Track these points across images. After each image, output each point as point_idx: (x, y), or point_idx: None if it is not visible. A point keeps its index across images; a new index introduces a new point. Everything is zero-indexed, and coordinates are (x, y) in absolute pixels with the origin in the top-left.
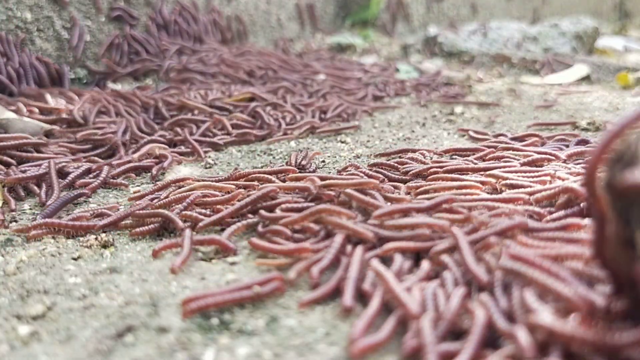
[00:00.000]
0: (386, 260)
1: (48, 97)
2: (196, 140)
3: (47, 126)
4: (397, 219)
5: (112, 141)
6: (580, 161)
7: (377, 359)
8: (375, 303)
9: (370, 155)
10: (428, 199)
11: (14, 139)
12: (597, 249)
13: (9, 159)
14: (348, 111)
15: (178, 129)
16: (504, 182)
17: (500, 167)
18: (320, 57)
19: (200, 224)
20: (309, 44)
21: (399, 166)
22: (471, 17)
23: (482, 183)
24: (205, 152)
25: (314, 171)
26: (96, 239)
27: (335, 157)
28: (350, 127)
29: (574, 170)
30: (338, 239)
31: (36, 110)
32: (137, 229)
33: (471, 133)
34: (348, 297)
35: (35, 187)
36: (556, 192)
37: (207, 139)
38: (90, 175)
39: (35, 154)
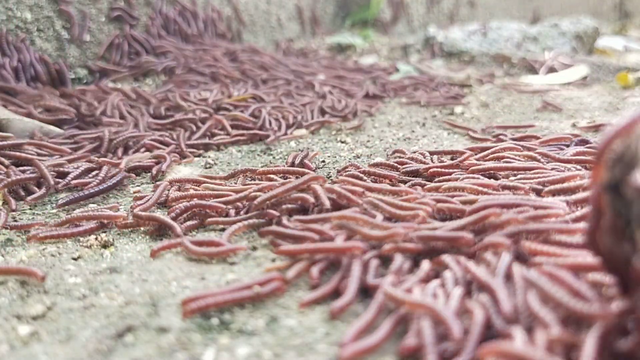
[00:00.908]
0: (386, 260)
1: (47, 96)
2: (196, 140)
3: (47, 126)
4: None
5: (140, 141)
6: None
7: (376, 359)
8: (373, 307)
9: (371, 155)
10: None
11: None
12: (591, 241)
13: (4, 159)
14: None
15: (173, 131)
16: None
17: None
18: (320, 57)
19: (256, 201)
20: (309, 44)
21: (399, 166)
22: (470, 16)
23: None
24: (192, 152)
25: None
26: (96, 239)
27: (335, 157)
28: (355, 126)
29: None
30: (339, 240)
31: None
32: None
33: (471, 133)
34: (338, 303)
35: (36, 188)
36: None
37: (207, 140)
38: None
39: (23, 155)
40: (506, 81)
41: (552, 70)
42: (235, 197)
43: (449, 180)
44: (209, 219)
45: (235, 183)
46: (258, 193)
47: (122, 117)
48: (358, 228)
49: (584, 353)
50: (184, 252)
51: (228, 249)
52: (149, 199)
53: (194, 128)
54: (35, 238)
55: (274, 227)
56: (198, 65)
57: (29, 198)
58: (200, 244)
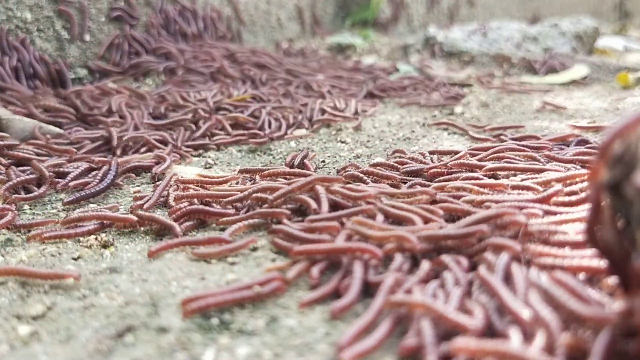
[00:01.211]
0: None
1: (39, 97)
2: (194, 141)
3: (46, 126)
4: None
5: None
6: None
7: (375, 359)
8: (372, 310)
9: (371, 155)
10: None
11: None
12: (591, 239)
13: (2, 159)
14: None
15: (173, 131)
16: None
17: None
18: (320, 57)
19: (274, 196)
20: (309, 44)
21: (399, 166)
22: (470, 16)
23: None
24: (188, 152)
25: (314, 171)
26: (96, 239)
27: (335, 157)
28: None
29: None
30: (340, 240)
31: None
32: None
33: (471, 133)
34: (338, 304)
35: (35, 188)
36: None
37: (203, 141)
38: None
39: (21, 154)
40: (506, 80)
41: (552, 70)
42: (240, 196)
43: (448, 180)
44: (221, 219)
45: (237, 183)
46: (263, 194)
47: (122, 116)
48: (370, 232)
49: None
50: (184, 252)
51: (236, 246)
52: (149, 199)
53: (194, 128)
54: (40, 237)
55: (287, 228)
56: (198, 66)
57: (15, 195)
58: (200, 242)
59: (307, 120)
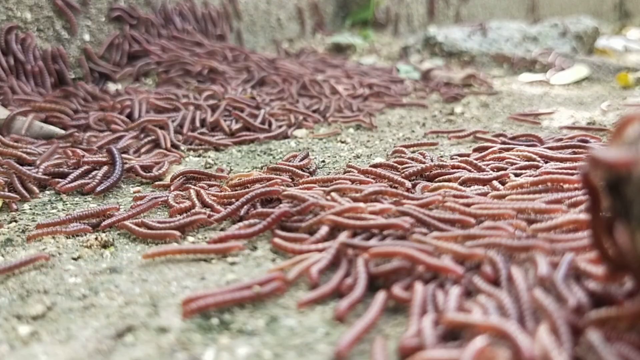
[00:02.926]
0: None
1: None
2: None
3: (47, 126)
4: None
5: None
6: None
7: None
8: (371, 312)
9: (371, 155)
10: None
11: None
12: (593, 233)
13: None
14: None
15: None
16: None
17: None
18: (320, 57)
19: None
20: (309, 44)
21: (399, 166)
22: (470, 16)
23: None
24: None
25: (314, 171)
26: (96, 239)
27: (335, 157)
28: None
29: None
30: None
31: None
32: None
33: (479, 134)
34: (344, 303)
35: (35, 188)
36: None
37: (189, 146)
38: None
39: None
40: (506, 81)
41: (550, 69)
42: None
43: (448, 180)
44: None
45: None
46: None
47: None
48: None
49: None
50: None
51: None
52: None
53: (191, 127)
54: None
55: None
56: (197, 66)
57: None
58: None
59: (322, 118)
